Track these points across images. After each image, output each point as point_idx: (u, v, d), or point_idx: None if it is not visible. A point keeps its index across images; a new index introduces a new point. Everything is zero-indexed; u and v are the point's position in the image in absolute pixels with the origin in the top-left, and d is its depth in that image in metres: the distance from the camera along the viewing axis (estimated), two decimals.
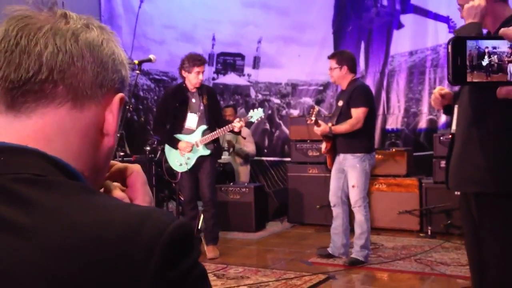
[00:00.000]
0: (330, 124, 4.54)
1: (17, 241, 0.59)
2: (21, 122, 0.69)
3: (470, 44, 0.82)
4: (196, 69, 4.66)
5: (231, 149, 6.60)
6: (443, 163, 5.50)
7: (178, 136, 4.81)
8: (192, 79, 4.70)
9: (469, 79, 0.82)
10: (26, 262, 0.58)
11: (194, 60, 4.67)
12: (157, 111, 5.31)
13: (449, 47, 0.81)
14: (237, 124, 4.68)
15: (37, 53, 0.68)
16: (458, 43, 0.81)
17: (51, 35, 0.69)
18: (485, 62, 0.81)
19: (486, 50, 0.81)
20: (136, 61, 4.16)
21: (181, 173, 4.91)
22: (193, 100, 4.80)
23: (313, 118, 4.54)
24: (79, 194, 0.64)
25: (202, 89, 4.83)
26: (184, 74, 4.74)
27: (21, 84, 0.68)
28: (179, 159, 4.81)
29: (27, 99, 0.68)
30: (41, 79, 0.68)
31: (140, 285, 0.60)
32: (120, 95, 0.75)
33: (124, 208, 0.65)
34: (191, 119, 4.81)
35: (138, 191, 0.80)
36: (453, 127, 2.47)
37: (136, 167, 0.83)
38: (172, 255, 0.62)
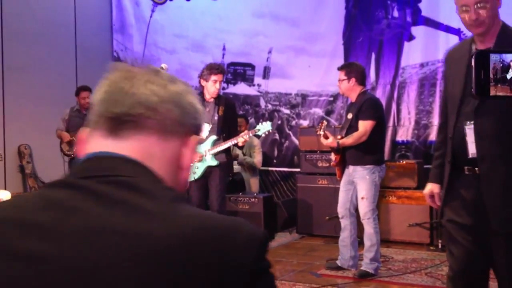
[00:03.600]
0: (339, 137, 4.53)
1: (146, 221, 0.76)
2: (120, 143, 0.87)
3: (494, 57, 0.81)
4: (213, 77, 4.66)
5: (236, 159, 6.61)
6: None
7: None
8: (209, 87, 4.70)
9: (492, 92, 0.81)
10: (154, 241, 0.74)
11: (212, 69, 4.68)
12: None
13: (473, 60, 0.80)
14: (240, 139, 4.67)
15: (135, 95, 0.88)
16: (481, 56, 0.80)
17: (146, 83, 0.89)
18: (509, 75, 0.80)
19: (511, 64, 0.80)
20: None
21: (190, 183, 4.90)
22: (208, 110, 4.80)
23: (321, 133, 4.53)
24: (181, 203, 0.82)
25: (220, 100, 4.82)
26: (203, 82, 4.75)
27: (120, 115, 0.87)
28: None
29: (125, 126, 0.87)
30: (136, 113, 0.87)
31: (240, 280, 0.75)
32: (196, 137, 0.94)
33: (219, 216, 0.82)
34: (204, 130, 4.80)
35: None
36: (468, 153, 2.34)
37: None
38: (261, 257, 0.78)
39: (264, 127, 4.80)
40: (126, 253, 0.72)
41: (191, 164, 0.94)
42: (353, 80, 4.52)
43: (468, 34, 6.55)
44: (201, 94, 4.82)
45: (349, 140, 4.45)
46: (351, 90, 4.55)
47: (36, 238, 0.75)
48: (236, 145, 4.79)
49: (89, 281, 0.71)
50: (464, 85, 2.35)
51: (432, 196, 2.62)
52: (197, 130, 0.95)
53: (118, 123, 0.87)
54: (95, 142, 0.89)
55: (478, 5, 2.23)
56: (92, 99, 0.92)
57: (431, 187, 2.63)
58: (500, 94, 0.81)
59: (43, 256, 0.73)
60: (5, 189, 6.46)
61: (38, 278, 0.72)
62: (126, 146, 0.86)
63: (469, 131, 2.33)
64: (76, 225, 0.75)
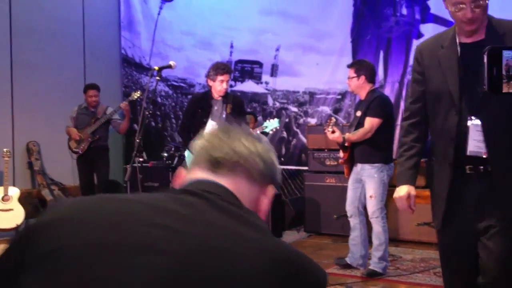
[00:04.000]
0: (346, 134, 4.51)
1: (254, 232, 0.97)
2: (217, 177, 1.09)
3: (507, 54, 0.79)
4: (219, 77, 4.65)
5: None
6: None
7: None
8: (217, 87, 4.69)
9: (505, 89, 0.79)
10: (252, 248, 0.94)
11: (218, 69, 4.66)
12: (183, 115, 5.34)
13: (485, 57, 0.78)
14: None
15: (231, 145, 1.11)
16: (494, 53, 0.78)
17: (240, 138, 1.13)
18: None
19: None
20: (156, 67, 4.18)
21: None
22: (216, 108, 4.79)
23: (330, 130, 4.51)
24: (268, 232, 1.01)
25: (228, 97, 4.81)
26: (210, 82, 4.74)
27: (218, 159, 1.10)
28: None
29: (221, 167, 1.10)
30: (231, 159, 1.10)
31: None
32: (273, 187, 1.16)
33: (298, 253, 1.02)
34: (210, 127, 4.79)
35: None
36: (470, 149, 2.25)
37: None
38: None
39: (272, 124, 4.78)
40: (239, 247, 0.92)
41: (267, 211, 1.16)
42: (362, 77, 4.49)
43: None
44: (209, 92, 4.81)
45: (354, 136, 4.43)
46: (361, 88, 4.52)
47: (173, 219, 0.94)
48: None
49: (214, 257, 0.89)
50: (459, 80, 2.26)
51: (407, 198, 2.47)
52: (274, 183, 1.17)
53: (216, 164, 1.10)
54: (196, 175, 1.11)
55: (475, 3, 2.16)
56: (194, 144, 1.16)
57: (407, 189, 2.47)
58: None
59: (177, 230, 0.92)
60: (14, 185, 6.49)
61: (172, 244, 0.90)
62: (223, 180, 1.08)
63: (474, 127, 2.22)
64: (206, 219, 0.95)
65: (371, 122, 4.39)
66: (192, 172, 1.12)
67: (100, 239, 0.91)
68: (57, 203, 1.06)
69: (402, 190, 2.49)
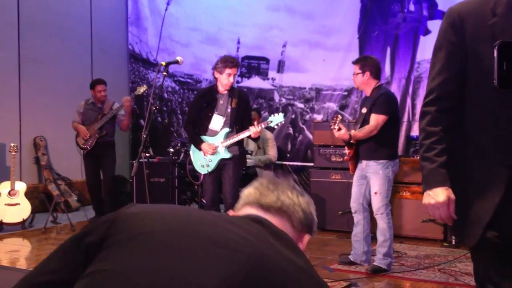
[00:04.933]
0: (352, 131, 4.51)
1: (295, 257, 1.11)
2: (267, 216, 1.22)
3: None
4: (227, 70, 4.63)
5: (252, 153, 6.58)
6: None
7: (203, 137, 4.81)
8: (223, 80, 4.67)
9: None
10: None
11: (226, 62, 4.64)
12: (188, 110, 5.34)
13: (495, 51, 0.78)
14: (252, 129, 4.64)
15: (278, 195, 1.26)
16: (504, 47, 0.79)
17: (286, 190, 1.28)
18: None
19: None
20: (163, 63, 4.19)
21: (204, 176, 4.91)
22: (221, 102, 4.79)
23: (336, 127, 4.50)
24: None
25: (233, 92, 4.81)
26: (216, 75, 4.72)
27: (266, 205, 1.25)
28: (202, 161, 4.81)
29: (270, 211, 1.24)
30: (277, 205, 1.24)
31: None
32: (309, 236, 1.29)
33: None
34: (216, 121, 4.79)
35: None
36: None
37: None
38: None
39: (277, 119, 4.76)
40: (291, 270, 1.05)
41: None
42: (367, 74, 4.48)
43: None
44: (215, 86, 4.81)
45: (360, 133, 4.42)
46: (366, 84, 4.52)
47: (243, 231, 1.08)
48: (249, 137, 4.77)
49: (274, 273, 1.02)
50: None
51: (448, 205, 1.88)
52: (311, 232, 1.30)
53: (264, 206, 1.25)
54: (247, 211, 1.26)
55: None
56: (245, 191, 1.30)
57: (446, 193, 1.87)
58: None
59: (248, 239, 1.06)
60: (21, 180, 6.53)
61: (244, 248, 1.04)
62: (271, 219, 1.22)
63: None
64: (265, 237, 1.10)
65: (376, 119, 4.39)
66: (242, 210, 1.27)
67: (183, 229, 1.07)
68: (131, 204, 1.19)
69: (439, 194, 1.87)
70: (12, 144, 6.12)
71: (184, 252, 1.02)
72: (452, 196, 1.87)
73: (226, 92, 4.75)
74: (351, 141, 4.52)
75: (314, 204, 1.32)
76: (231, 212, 1.31)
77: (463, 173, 1.91)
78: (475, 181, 1.89)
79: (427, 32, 6.64)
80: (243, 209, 1.27)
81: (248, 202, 1.27)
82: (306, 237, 1.29)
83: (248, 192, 1.30)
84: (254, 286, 1.00)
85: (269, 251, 1.05)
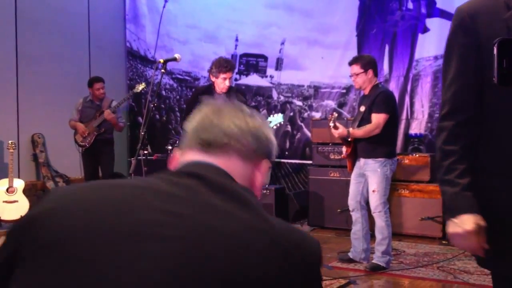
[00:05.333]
0: (350, 129, 4.50)
1: (248, 213, 0.96)
2: (210, 158, 1.09)
3: None
4: (222, 75, 4.58)
5: None
6: None
7: None
8: (219, 84, 4.64)
9: None
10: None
11: (221, 67, 4.56)
12: (186, 108, 5.35)
13: (495, 48, 0.77)
14: None
15: (221, 126, 1.11)
16: (504, 44, 0.78)
17: (232, 118, 1.12)
18: None
19: None
20: (161, 60, 4.18)
21: None
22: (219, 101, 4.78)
23: (331, 124, 4.50)
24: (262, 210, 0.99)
25: (231, 91, 4.79)
26: (212, 78, 4.70)
27: (209, 142, 1.10)
28: None
29: (212, 148, 1.10)
30: (221, 141, 1.09)
31: (313, 280, 0.97)
32: (267, 161, 1.15)
33: (294, 230, 1.00)
34: None
35: None
36: None
37: None
38: (318, 269, 0.99)
39: (276, 119, 4.76)
40: (238, 228, 0.91)
41: (262, 185, 1.15)
42: (370, 71, 4.47)
43: None
44: (212, 85, 4.79)
45: (360, 132, 4.41)
46: (369, 82, 4.49)
47: (173, 203, 0.93)
48: None
49: (216, 240, 0.88)
50: None
51: (477, 234, 1.55)
52: (269, 156, 1.16)
53: (207, 146, 1.09)
54: (189, 157, 1.11)
55: None
56: (187, 126, 1.15)
57: (475, 219, 1.55)
58: None
59: (180, 214, 0.91)
60: (19, 177, 6.51)
61: (175, 229, 0.89)
62: (215, 160, 1.08)
63: None
64: (203, 201, 0.94)
65: (378, 118, 4.37)
66: (185, 154, 1.12)
67: (103, 228, 0.89)
68: (50, 193, 0.99)
69: (466, 222, 1.56)
70: (10, 141, 6.11)
71: (107, 261, 0.86)
72: (482, 223, 1.56)
73: (223, 92, 4.75)
74: (349, 139, 4.51)
75: (268, 125, 1.18)
76: (175, 157, 1.16)
77: (488, 194, 1.61)
78: (506, 204, 1.60)
79: (425, 30, 6.63)
80: (186, 154, 1.12)
81: (190, 145, 1.12)
82: (264, 164, 1.14)
83: (190, 128, 1.14)
84: (199, 265, 0.86)
85: (210, 219, 0.90)
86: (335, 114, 4.62)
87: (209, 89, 4.83)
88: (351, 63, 4.55)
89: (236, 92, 4.92)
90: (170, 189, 0.95)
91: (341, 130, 4.45)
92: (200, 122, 1.13)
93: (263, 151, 1.14)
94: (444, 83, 1.69)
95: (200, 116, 1.14)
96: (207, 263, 0.86)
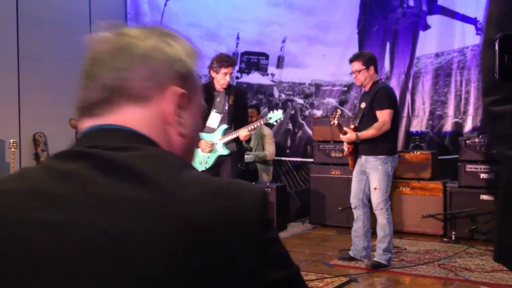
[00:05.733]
0: (351, 127, 4.50)
1: (149, 189, 0.72)
2: (103, 119, 0.84)
3: None
4: (223, 70, 4.61)
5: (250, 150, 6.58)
6: (468, 167, 5.42)
7: (200, 134, 4.81)
8: (219, 79, 4.66)
9: None
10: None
11: (222, 61, 4.62)
12: None
13: (496, 44, 0.78)
14: (242, 132, 4.63)
15: (101, 80, 0.85)
16: (505, 40, 0.78)
17: (113, 62, 0.85)
18: None
19: None
20: None
21: (202, 172, 4.91)
22: (218, 99, 4.79)
23: (336, 122, 4.50)
24: (183, 168, 0.77)
25: (230, 89, 4.80)
26: (212, 74, 4.72)
27: (92, 103, 0.85)
28: (200, 158, 4.82)
29: (100, 113, 0.85)
30: (105, 97, 0.84)
31: (252, 241, 0.73)
32: (174, 88, 0.85)
33: (221, 183, 0.78)
34: (213, 118, 4.79)
35: None
36: None
37: None
38: (266, 217, 0.76)
39: (276, 116, 4.77)
40: (135, 220, 0.70)
41: (179, 118, 0.86)
42: (372, 68, 4.47)
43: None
44: (212, 83, 4.80)
45: (370, 132, 4.37)
46: (370, 79, 4.50)
47: (49, 206, 0.72)
48: (237, 139, 4.72)
49: (103, 248, 0.68)
50: None
51: None
52: (176, 79, 0.86)
53: (93, 108, 0.85)
54: (83, 125, 0.87)
55: None
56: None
57: None
58: None
59: (59, 224, 0.70)
60: None
61: (54, 245, 0.69)
62: (109, 120, 0.84)
63: None
64: (89, 192, 0.73)
65: (383, 115, 4.36)
66: (81, 124, 0.88)
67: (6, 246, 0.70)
68: None
69: None
70: (11, 141, 6.12)
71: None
72: None
73: (223, 89, 4.75)
74: (357, 142, 4.48)
75: (166, 39, 0.90)
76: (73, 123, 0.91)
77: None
78: None
79: (426, 27, 6.63)
80: (82, 123, 0.88)
81: (80, 113, 0.88)
82: (169, 91, 0.85)
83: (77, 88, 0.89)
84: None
85: (95, 219, 0.69)
86: (339, 111, 4.63)
87: (208, 87, 4.84)
88: (352, 60, 4.55)
89: (236, 89, 4.93)
90: (51, 186, 0.74)
91: (349, 135, 4.43)
92: (81, 78, 0.89)
93: (162, 78, 0.85)
94: (483, 65, 1.33)
95: (81, 71, 0.90)
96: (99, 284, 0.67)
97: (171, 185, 0.73)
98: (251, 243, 0.72)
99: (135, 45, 0.85)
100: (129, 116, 0.83)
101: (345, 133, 4.45)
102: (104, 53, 0.86)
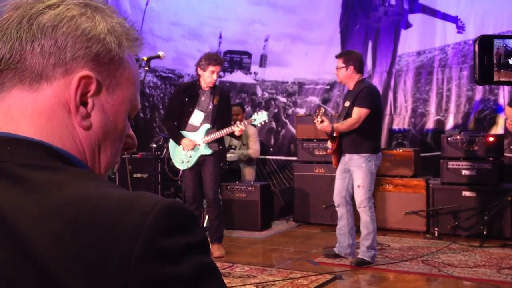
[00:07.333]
0: (335, 124, 4.53)
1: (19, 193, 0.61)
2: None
3: (497, 42, 0.80)
4: (211, 68, 4.63)
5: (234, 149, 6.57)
6: (450, 164, 5.48)
7: (183, 132, 4.80)
8: (206, 77, 4.67)
9: (496, 78, 0.80)
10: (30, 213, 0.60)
11: (210, 59, 4.64)
12: (168, 103, 5.33)
13: (476, 45, 0.79)
14: (236, 128, 4.65)
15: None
16: (484, 41, 0.79)
17: (17, 24, 0.70)
18: None
19: None
20: (145, 58, 4.15)
21: (184, 172, 4.90)
22: (203, 98, 4.79)
23: (319, 120, 4.52)
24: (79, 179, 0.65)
25: (215, 89, 4.81)
26: (199, 71, 4.72)
27: None
28: (181, 156, 4.81)
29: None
30: (21, 61, 0.69)
31: (131, 253, 0.58)
32: (84, 72, 0.70)
33: (118, 188, 0.66)
34: (196, 116, 4.79)
35: None
36: None
37: None
38: (164, 226, 0.60)
39: (260, 117, 4.79)
40: None
41: (84, 108, 0.71)
42: (351, 68, 4.50)
43: (465, 22, 6.50)
44: (197, 81, 4.81)
45: (343, 126, 4.44)
46: (349, 78, 4.53)
47: None
48: (232, 135, 4.78)
49: None
50: None
51: None
52: (90, 61, 0.71)
53: None
54: None
55: None
56: None
57: None
58: (504, 79, 0.80)
59: None
60: None
61: None
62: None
63: None
64: None
65: (358, 113, 4.41)
66: None
67: None
68: None
69: None
70: None
71: None
72: None
73: (208, 88, 4.75)
74: (334, 134, 4.53)
75: (80, 10, 0.73)
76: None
77: None
78: None
79: (408, 25, 6.68)
80: None
81: None
82: (78, 74, 0.70)
83: None
84: None
85: None
86: (322, 110, 4.64)
87: (194, 85, 4.84)
88: (337, 57, 4.63)
89: (221, 90, 4.93)
90: None
91: (326, 124, 4.46)
92: None
93: (72, 59, 0.70)
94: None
95: None
96: None
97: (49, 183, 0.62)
98: None
99: (47, 14, 0.70)
100: (16, 106, 0.69)
101: (322, 121, 4.45)
102: (12, 21, 0.70)
